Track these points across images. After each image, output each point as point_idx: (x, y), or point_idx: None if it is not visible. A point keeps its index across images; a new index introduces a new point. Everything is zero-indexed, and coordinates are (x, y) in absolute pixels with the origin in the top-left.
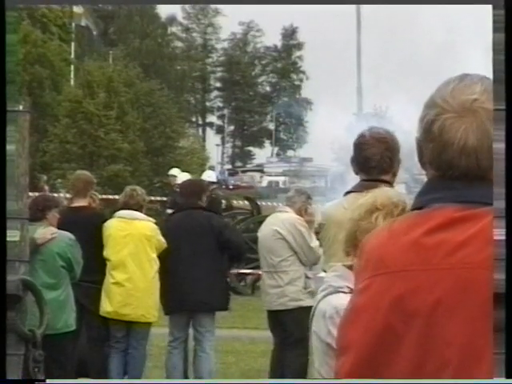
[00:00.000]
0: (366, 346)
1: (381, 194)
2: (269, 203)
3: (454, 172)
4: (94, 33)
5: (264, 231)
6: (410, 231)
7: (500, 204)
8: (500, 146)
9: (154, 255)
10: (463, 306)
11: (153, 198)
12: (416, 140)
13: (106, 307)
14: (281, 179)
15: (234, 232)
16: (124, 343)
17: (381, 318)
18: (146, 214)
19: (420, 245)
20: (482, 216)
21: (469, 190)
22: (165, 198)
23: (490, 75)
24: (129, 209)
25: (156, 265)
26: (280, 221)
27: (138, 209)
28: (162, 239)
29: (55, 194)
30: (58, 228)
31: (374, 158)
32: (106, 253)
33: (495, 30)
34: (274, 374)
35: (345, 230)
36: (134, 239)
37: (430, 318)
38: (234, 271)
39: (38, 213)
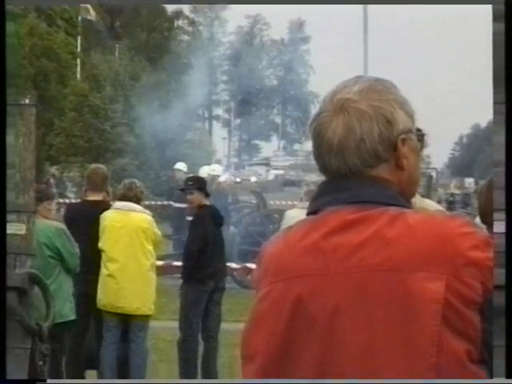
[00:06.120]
0: (271, 353)
1: None
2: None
3: (327, 172)
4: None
5: None
6: (306, 236)
7: (500, 202)
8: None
9: (150, 247)
10: (361, 309)
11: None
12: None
13: (102, 299)
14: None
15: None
16: (116, 333)
17: (283, 323)
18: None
19: (317, 249)
20: (375, 217)
21: (360, 189)
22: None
23: (490, 74)
24: (127, 201)
25: (152, 257)
26: None
27: (136, 201)
28: (158, 232)
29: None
30: (73, 221)
31: None
32: (102, 244)
33: (495, 29)
34: None
35: None
36: (129, 231)
37: (330, 322)
38: (241, 265)
39: None
